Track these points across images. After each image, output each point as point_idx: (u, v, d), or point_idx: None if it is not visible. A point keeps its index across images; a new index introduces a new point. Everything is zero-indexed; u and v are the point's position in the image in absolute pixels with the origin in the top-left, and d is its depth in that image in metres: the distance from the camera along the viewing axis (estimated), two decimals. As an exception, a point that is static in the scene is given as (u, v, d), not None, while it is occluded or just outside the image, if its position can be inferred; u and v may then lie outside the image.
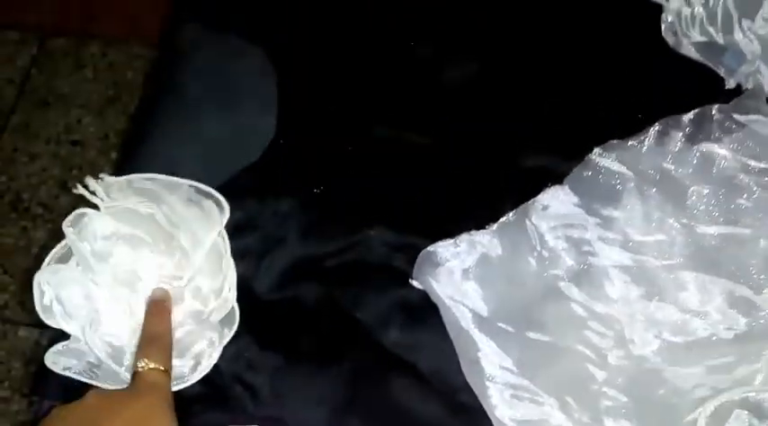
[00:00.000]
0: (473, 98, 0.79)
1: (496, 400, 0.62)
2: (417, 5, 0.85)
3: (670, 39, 0.83)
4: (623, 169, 0.71)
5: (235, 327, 0.67)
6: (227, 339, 0.67)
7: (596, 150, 0.72)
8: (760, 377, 0.65)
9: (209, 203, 0.70)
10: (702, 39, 0.82)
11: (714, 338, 0.65)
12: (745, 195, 0.69)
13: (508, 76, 0.81)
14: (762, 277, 0.65)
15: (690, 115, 0.75)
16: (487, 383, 0.62)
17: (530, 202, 0.70)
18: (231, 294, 0.68)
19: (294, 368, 0.66)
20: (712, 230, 0.68)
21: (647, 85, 0.81)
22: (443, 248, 0.67)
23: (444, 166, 0.75)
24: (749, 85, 0.78)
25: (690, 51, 0.82)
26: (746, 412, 0.63)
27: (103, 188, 0.68)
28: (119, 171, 0.75)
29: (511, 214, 0.69)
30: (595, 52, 0.82)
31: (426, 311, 0.68)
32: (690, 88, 0.79)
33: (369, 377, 0.66)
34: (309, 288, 0.70)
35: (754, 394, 0.64)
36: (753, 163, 0.71)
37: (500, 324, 0.64)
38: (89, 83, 1.71)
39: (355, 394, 0.65)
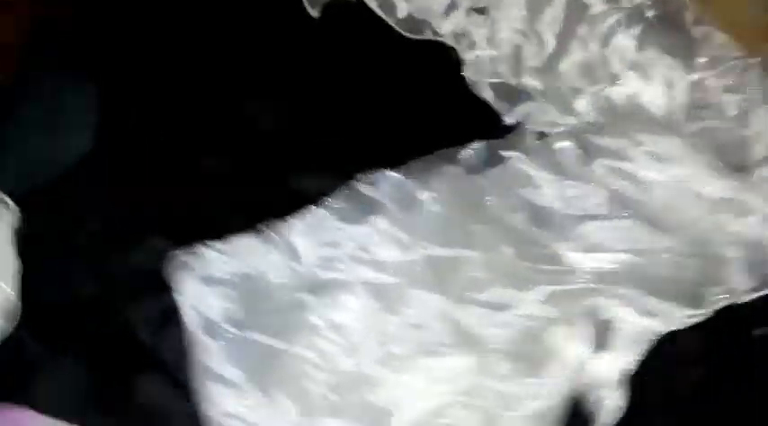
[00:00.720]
0: (262, 126, 0.87)
1: (214, 396, 0.68)
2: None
3: (468, 81, 0.90)
4: (378, 195, 0.77)
5: (14, 320, 0.74)
6: (7, 333, 0.74)
7: (358, 176, 0.78)
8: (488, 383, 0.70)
9: None
10: (494, 80, 0.89)
11: (434, 350, 0.71)
12: (482, 222, 0.75)
13: (302, 108, 0.89)
14: (470, 294, 0.71)
15: (461, 150, 0.82)
16: (208, 382, 0.68)
17: (289, 219, 0.77)
18: (10, 289, 0.75)
19: (57, 361, 0.73)
20: (444, 251, 0.74)
21: (439, 123, 0.88)
22: (191, 256, 0.74)
23: (227, 184, 0.83)
24: (524, 122, 0.85)
25: (482, 92, 0.89)
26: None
27: None
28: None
29: (267, 229, 0.76)
30: (394, 92, 0.90)
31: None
32: (476, 125, 0.86)
33: (120, 371, 0.73)
34: (89, 290, 0.77)
35: (481, 401, 0.70)
36: (500, 195, 0.77)
37: (229, 328, 0.70)
38: None
39: (105, 385, 0.72)
